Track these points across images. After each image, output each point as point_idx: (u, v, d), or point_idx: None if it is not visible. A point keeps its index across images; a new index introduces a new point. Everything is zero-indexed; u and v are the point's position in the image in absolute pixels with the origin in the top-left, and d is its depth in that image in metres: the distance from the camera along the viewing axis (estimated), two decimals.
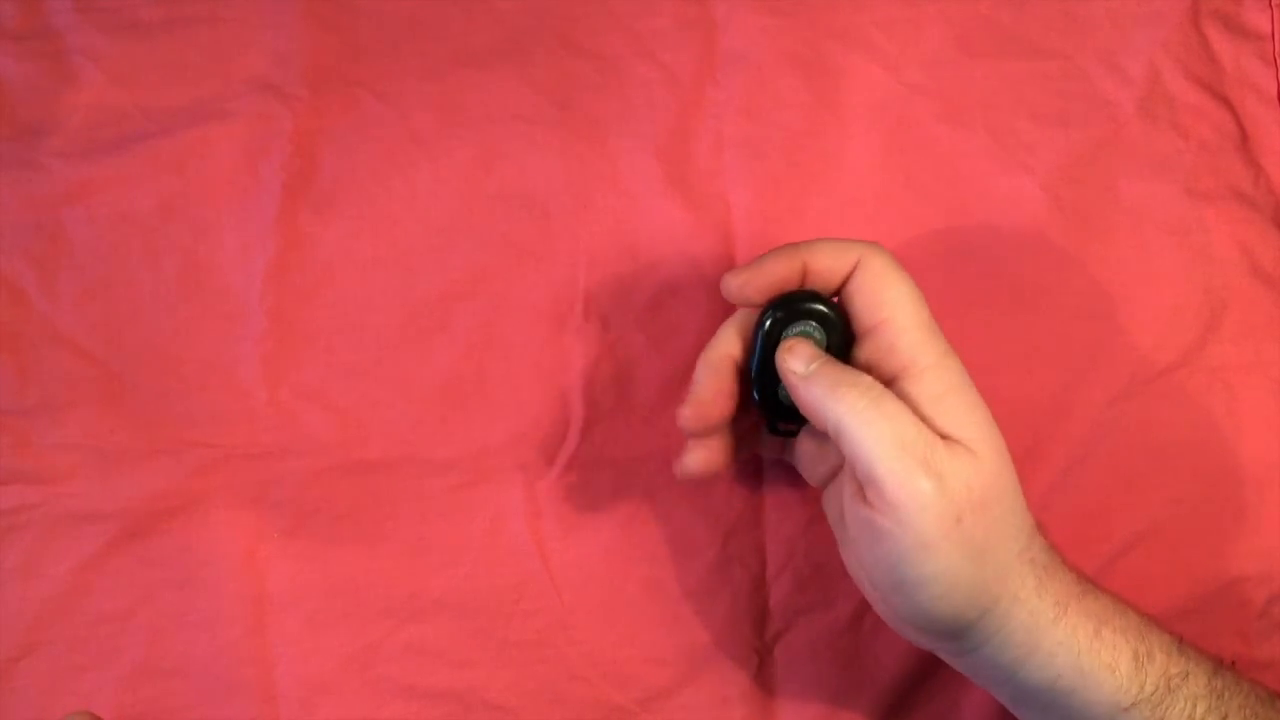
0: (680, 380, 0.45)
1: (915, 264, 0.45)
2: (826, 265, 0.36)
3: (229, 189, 0.45)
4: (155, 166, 0.45)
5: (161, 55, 0.46)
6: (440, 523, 0.44)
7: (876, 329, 0.35)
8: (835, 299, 0.37)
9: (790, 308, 0.36)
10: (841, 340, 0.36)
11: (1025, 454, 0.44)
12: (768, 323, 0.37)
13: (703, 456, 0.38)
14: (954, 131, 0.46)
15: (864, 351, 0.36)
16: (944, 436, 0.33)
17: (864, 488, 0.34)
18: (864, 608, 0.44)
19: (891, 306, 0.35)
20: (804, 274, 0.37)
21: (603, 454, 0.45)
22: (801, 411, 0.36)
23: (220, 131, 0.45)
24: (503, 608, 0.44)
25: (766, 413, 0.38)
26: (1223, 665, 0.36)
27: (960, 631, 0.34)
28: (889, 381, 0.35)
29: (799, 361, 0.35)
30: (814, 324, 0.36)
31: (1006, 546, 0.34)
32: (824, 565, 0.44)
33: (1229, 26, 0.46)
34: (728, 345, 0.38)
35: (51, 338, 0.45)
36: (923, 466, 0.32)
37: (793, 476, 0.44)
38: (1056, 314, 0.45)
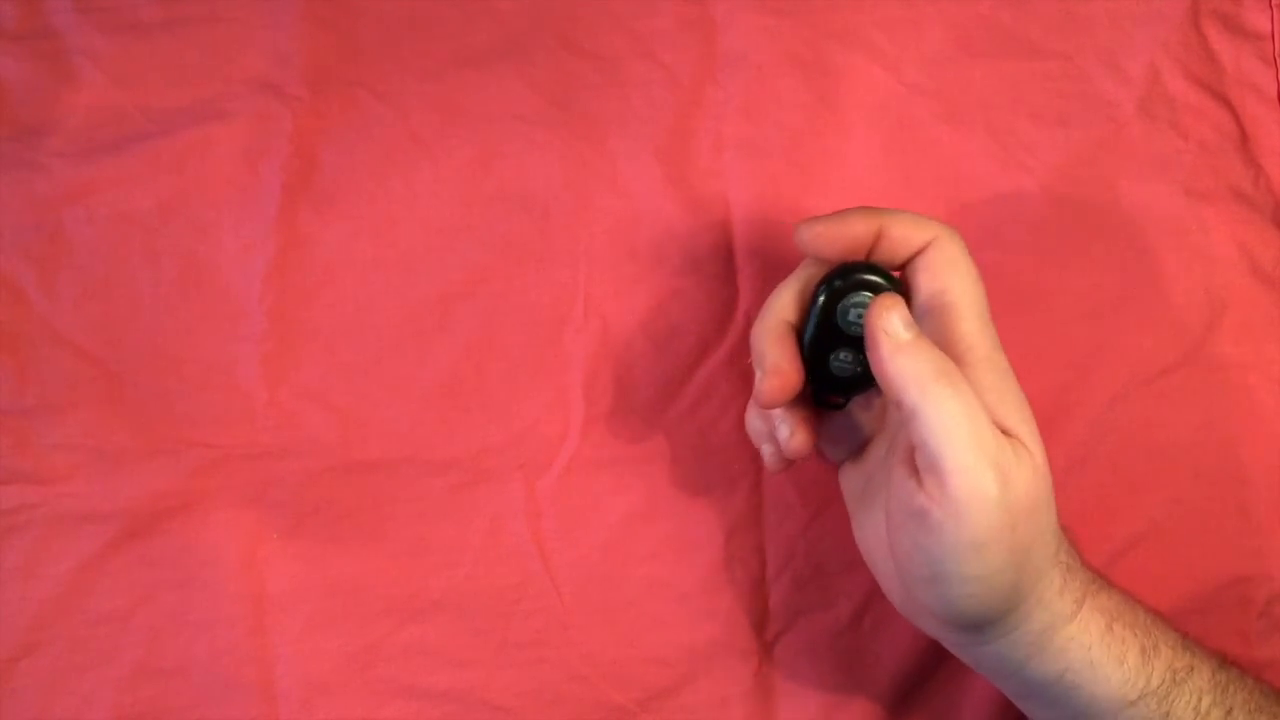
0: (680, 380, 0.45)
1: None
2: (902, 235, 0.35)
3: (229, 189, 0.45)
4: (155, 166, 0.45)
5: (161, 55, 0.46)
6: (440, 523, 0.44)
7: (938, 310, 0.34)
8: (898, 274, 0.36)
9: (852, 277, 0.35)
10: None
11: None
12: (827, 290, 0.35)
13: (802, 435, 0.37)
14: (954, 131, 0.46)
15: (924, 325, 0.34)
16: (1005, 432, 0.32)
17: (924, 474, 0.32)
18: (864, 608, 0.44)
19: (958, 291, 0.34)
20: (878, 238, 0.35)
21: (603, 454, 0.45)
22: (878, 378, 0.34)
23: (220, 131, 0.45)
24: (503, 608, 0.44)
25: (815, 383, 0.37)
26: (1226, 661, 0.36)
27: (980, 627, 0.34)
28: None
29: (899, 324, 0.33)
30: (874, 297, 0.35)
31: (1043, 551, 0.33)
32: (824, 565, 0.44)
33: (1229, 26, 0.46)
34: (784, 311, 0.37)
35: (51, 338, 0.45)
36: (994, 467, 0.31)
37: (793, 476, 0.44)
38: (1056, 314, 0.45)
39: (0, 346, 0.44)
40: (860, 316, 0.35)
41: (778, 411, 0.38)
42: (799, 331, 0.37)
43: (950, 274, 0.34)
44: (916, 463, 0.33)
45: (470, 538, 0.44)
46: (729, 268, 0.45)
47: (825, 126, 0.46)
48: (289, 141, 0.45)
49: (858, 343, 0.35)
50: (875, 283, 0.35)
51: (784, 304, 0.37)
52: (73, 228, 0.45)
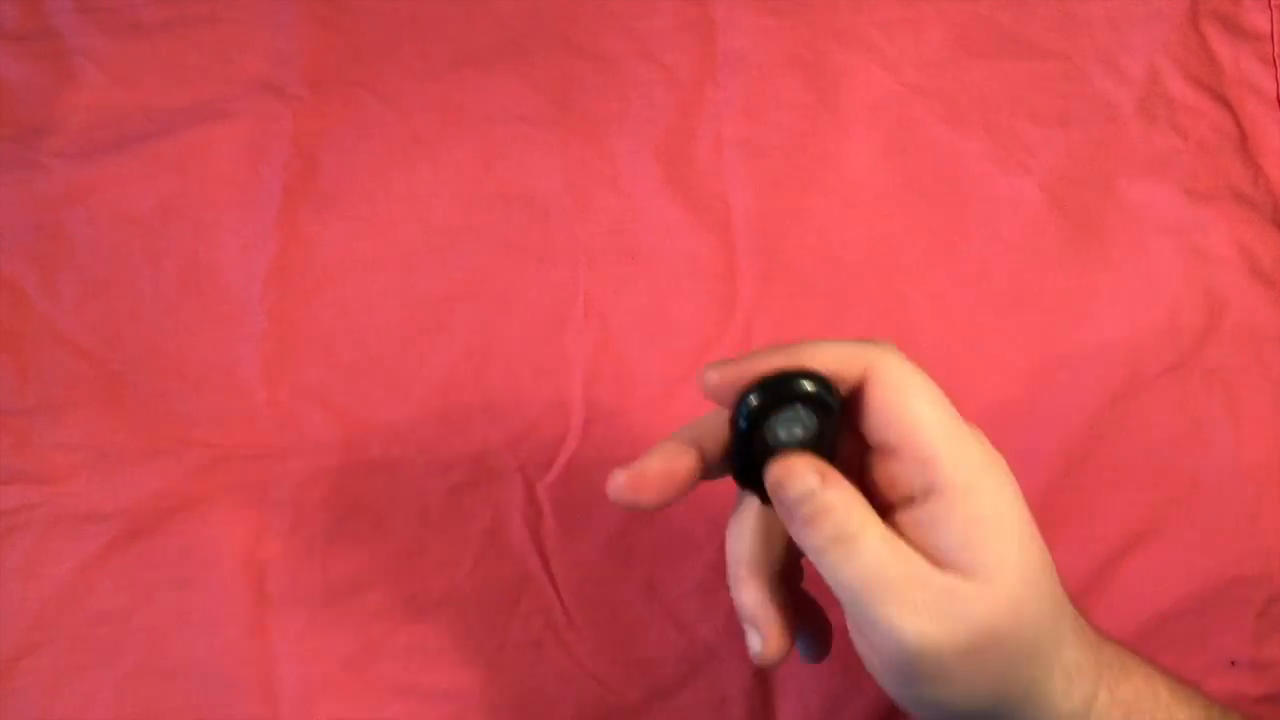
0: (680, 380, 0.45)
1: (915, 264, 0.46)
2: (830, 372, 0.31)
3: (229, 189, 0.45)
4: (155, 166, 0.45)
5: (162, 55, 0.46)
6: (440, 523, 0.44)
7: (898, 448, 0.31)
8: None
9: (770, 393, 0.31)
10: (835, 425, 0.31)
11: (1026, 454, 0.44)
12: (747, 418, 0.31)
13: (770, 644, 0.34)
14: (954, 131, 0.46)
15: (891, 467, 0.31)
16: (958, 568, 0.30)
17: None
18: None
19: (914, 425, 0.31)
20: None
21: (603, 454, 0.45)
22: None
23: (220, 132, 0.46)
24: (503, 608, 0.44)
25: (762, 495, 0.33)
26: None
27: None
28: (918, 498, 0.31)
29: (795, 496, 0.31)
30: (801, 409, 0.31)
31: (1030, 667, 0.32)
32: None
33: (1228, 27, 0.47)
34: (750, 559, 0.33)
35: (51, 338, 0.45)
36: (912, 609, 0.30)
37: None
38: (1056, 314, 0.45)
39: (0, 346, 0.44)
40: (793, 431, 0.31)
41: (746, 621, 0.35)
42: (729, 460, 0.33)
43: (901, 407, 0.31)
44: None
45: (470, 538, 0.44)
46: (729, 268, 0.45)
47: (825, 126, 0.46)
48: (290, 142, 0.45)
49: (802, 448, 0.31)
50: (799, 391, 0.31)
51: (749, 543, 0.34)
52: (73, 228, 0.45)
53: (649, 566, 0.44)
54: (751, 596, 0.33)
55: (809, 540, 0.30)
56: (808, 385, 0.30)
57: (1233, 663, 0.43)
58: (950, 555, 0.30)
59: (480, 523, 0.44)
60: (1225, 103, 0.46)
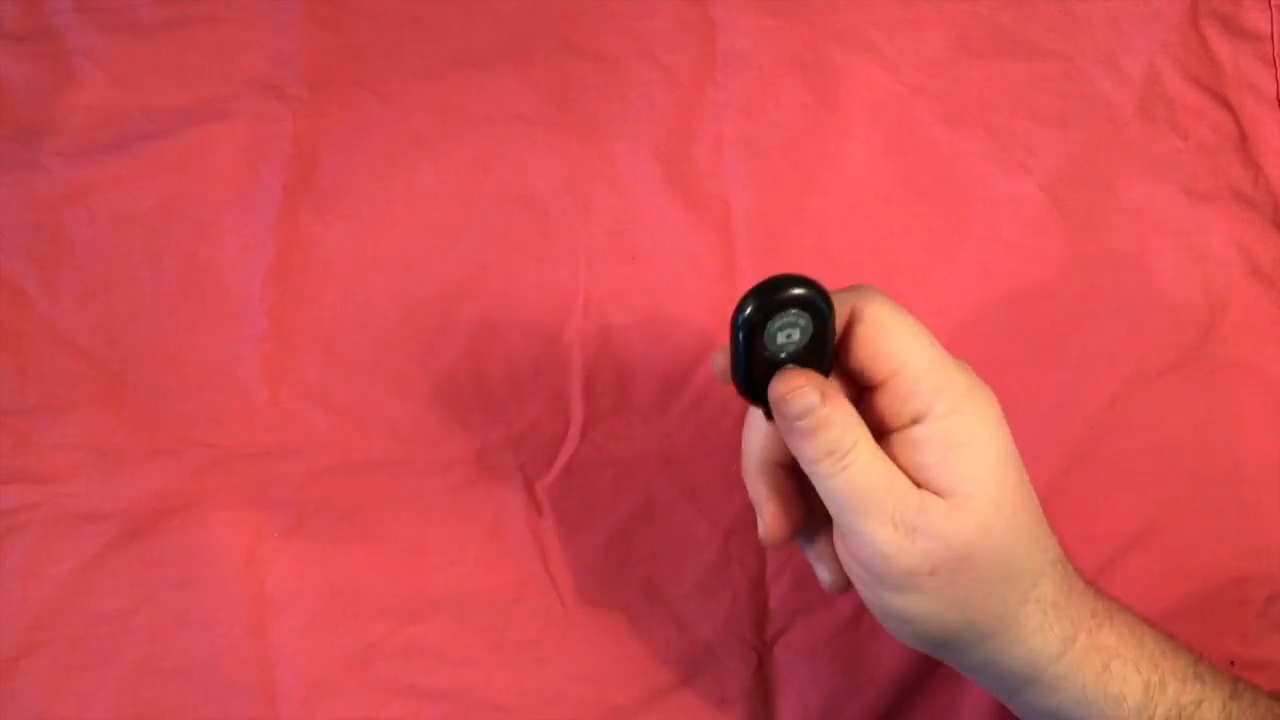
0: (680, 380, 0.45)
1: (915, 264, 0.46)
2: None
3: (229, 189, 0.45)
4: (155, 166, 0.45)
5: (161, 55, 0.46)
6: (440, 523, 0.44)
7: (890, 381, 0.33)
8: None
9: (767, 301, 0.32)
10: (829, 330, 0.33)
11: (1025, 454, 0.43)
12: (746, 327, 0.32)
13: (777, 524, 0.36)
14: (954, 131, 0.46)
15: (881, 400, 0.33)
16: (935, 487, 0.32)
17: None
18: (864, 608, 0.43)
19: (902, 357, 0.33)
20: None
21: (603, 454, 0.45)
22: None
23: (220, 131, 0.46)
24: (503, 608, 0.44)
25: (765, 410, 0.35)
26: (1240, 684, 0.35)
27: (950, 654, 0.34)
28: (907, 425, 0.33)
29: (795, 409, 0.33)
30: (796, 312, 0.32)
31: (1001, 593, 0.33)
32: None
33: (1228, 27, 0.47)
34: (764, 449, 0.36)
35: (51, 338, 0.45)
36: (890, 522, 0.32)
37: None
38: (1056, 314, 0.45)
39: (0, 346, 0.44)
40: (790, 335, 0.33)
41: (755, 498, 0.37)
42: (733, 374, 0.34)
43: (886, 343, 0.33)
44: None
45: (470, 538, 0.44)
46: (729, 268, 0.45)
47: (825, 126, 0.46)
48: (289, 141, 0.45)
49: (800, 355, 0.33)
50: (791, 298, 0.32)
51: (761, 441, 0.36)
52: (73, 228, 0.45)
53: (649, 566, 0.44)
54: (758, 486, 0.36)
55: (804, 452, 0.33)
56: (799, 289, 0.32)
57: (1232, 662, 0.43)
58: (928, 475, 0.32)
59: (480, 523, 0.44)
60: (1225, 103, 0.46)
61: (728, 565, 0.44)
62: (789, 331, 0.32)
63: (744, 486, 0.44)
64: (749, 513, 0.44)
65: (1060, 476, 0.44)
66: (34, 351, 0.44)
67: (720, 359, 0.35)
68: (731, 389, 0.45)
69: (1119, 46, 0.46)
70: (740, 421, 0.44)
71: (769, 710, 0.43)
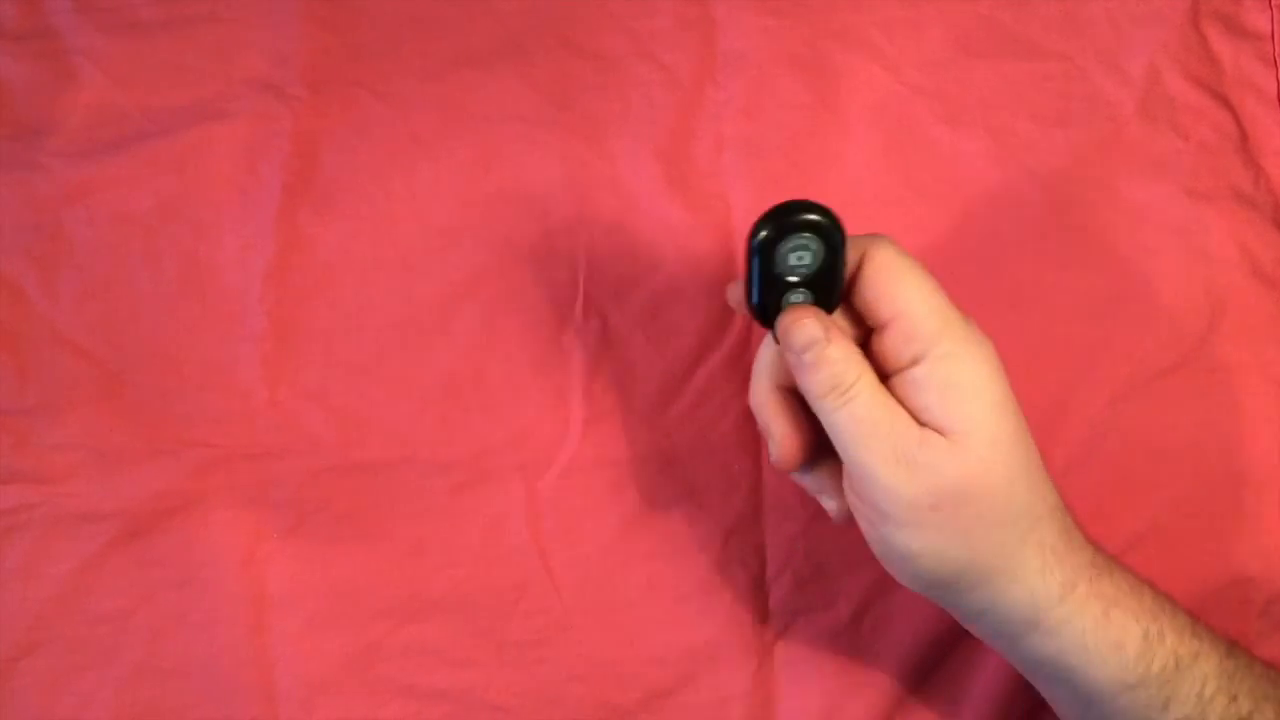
0: (680, 380, 0.45)
1: None
2: None
3: (229, 189, 0.45)
4: (155, 166, 0.45)
5: (161, 55, 0.46)
6: (440, 523, 0.44)
7: (893, 322, 0.34)
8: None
9: (779, 224, 0.33)
10: (841, 259, 0.34)
11: None
12: (760, 250, 0.34)
13: (789, 446, 0.37)
14: (954, 131, 0.46)
15: (885, 340, 0.35)
16: (935, 426, 0.33)
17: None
18: (864, 608, 0.44)
19: (905, 300, 0.34)
20: None
21: (603, 454, 0.45)
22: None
23: (220, 131, 0.45)
24: (503, 608, 0.44)
25: (775, 337, 0.36)
26: (1237, 647, 0.36)
27: (953, 595, 0.35)
28: (907, 366, 0.34)
29: (801, 342, 0.34)
30: (809, 236, 0.33)
31: (1001, 532, 0.34)
32: (824, 565, 0.44)
33: (1229, 27, 0.46)
34: (773, 375, 0.37)
35: (51, 338, 0.45)
36: (893, 456, 0.33)
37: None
38: (1056, 314, 0.45)
39: (0, 346, 0.44)
40: (802, 258, 0.34)
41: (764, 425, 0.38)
42: (747, 298, 0.35)
43: (892, 285, 0.34)
44: None
45: (470, 538, 0.44)
46: (729, 268, 0.45)
47: (825, 126, 0.46)
48: (289, 141, 0.45)
49: (811, 279, 0.34)
50: (809, 221, 0.33)
51: (770, 368, 0.37)
52: (73, 228, 0.45)
53: (649, 566, 0.44)
54: (766, 409, 0.37)
55: (809, 385, 0.34)
56: (813, 214, 0.33)
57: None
58: (929, 414, 0.34)
59: (480, 523, 0.44)
60: (1226, 103, 0.46)
61: (728, 565, 0.44)
62: (800, 254, 0.34)
63: (744, 486, 0.45)
64: (749, 513, 0.44)
65: (1060, 477, 0.44)
66: (34, 351, 0.44)
67: (735, 290, 0.36)
68: (730, 390, 0.45)
69: (1119, 46, 0.46)
70: (740, 422, 0.44)
71: (769, 710, 0.43)
